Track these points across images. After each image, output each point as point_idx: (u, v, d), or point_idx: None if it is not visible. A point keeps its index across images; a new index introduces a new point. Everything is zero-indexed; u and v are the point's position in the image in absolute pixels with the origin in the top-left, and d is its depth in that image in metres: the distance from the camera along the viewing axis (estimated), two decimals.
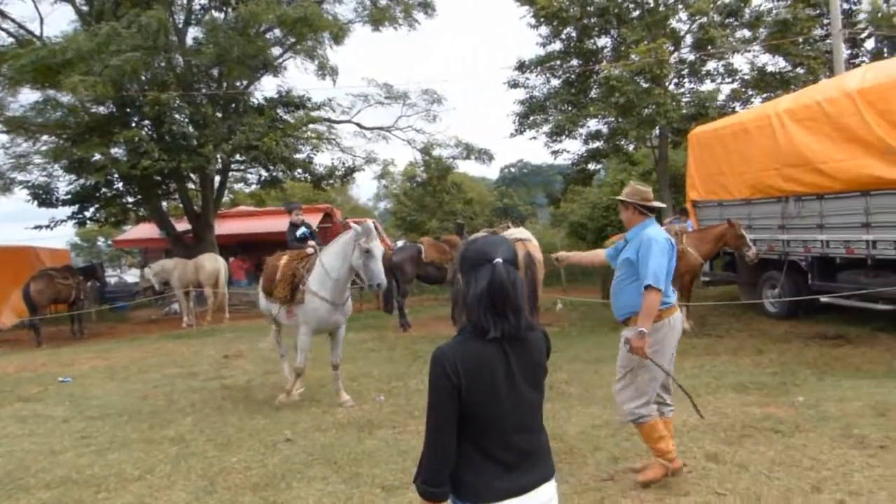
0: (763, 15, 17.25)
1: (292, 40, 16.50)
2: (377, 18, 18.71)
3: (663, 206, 5.33)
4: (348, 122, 19.71)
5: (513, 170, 62.54)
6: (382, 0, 19.14)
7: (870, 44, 18.58)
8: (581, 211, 25.79)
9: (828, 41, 16.08)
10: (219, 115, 17.42)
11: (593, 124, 18.38)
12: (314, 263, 7.52)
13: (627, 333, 4.58)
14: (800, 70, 17.02)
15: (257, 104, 17.73)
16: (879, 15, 16.65)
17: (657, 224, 4.77)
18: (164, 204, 20.92)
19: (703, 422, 5.93)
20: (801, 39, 17.17)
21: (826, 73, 15.56)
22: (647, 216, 4.71)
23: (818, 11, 17.76)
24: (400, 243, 26.74)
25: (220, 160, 16.94)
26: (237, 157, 17.15)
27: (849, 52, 18.89)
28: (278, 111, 17.78)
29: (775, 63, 18.00)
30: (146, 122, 17.05)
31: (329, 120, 19.50)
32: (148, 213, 19.84)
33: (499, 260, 2.12)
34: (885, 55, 17.58)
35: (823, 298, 10.29)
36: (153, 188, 18.46)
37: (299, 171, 17.16)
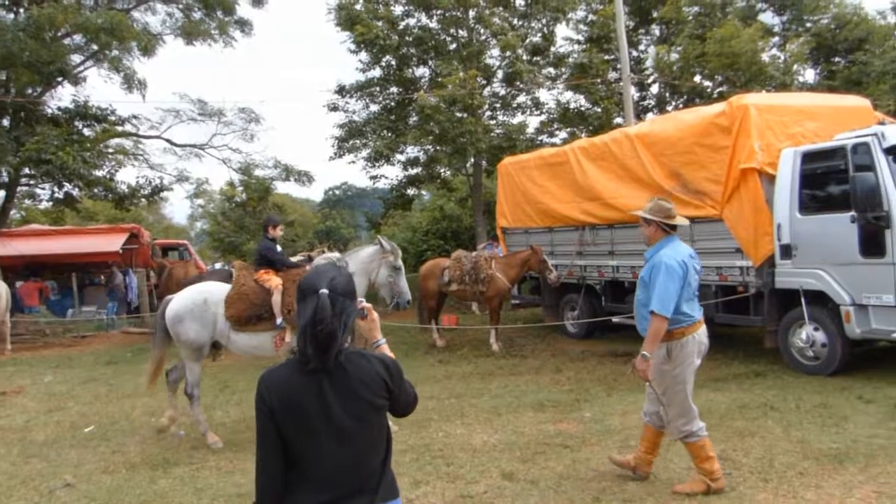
0: (564, 57, 18.78)
1: (95, 48, 15.27)
2: (189, 32, 17.90)
3: (686, 222, 5.40)
4: (157, 137, 18.63)
5: (337, 192, 62.15)
6: (196, 14, 18.37)
7: (655, 89, 20.74)
8: (402, 235, 26.25)
9: (620, 83, 17.76)
10: (5, 123, 15.69)
11: (412, 151, 18.85)
12: None
13: (659, 353, 4.68)
14: (597, 109, 18.68)
15: (51, 114, 16.18)
16: (663, 61, 18.68)
17: (678, 241, 4.81)
18: None
19: (502, 441, 6.26)
20: (599, 81, 18.87)
21: (619, 112, 17.21)
22: (668, 233, 4.76)
23: (613, 56, 19.63)
24: (217, 266, 25.52)
25: (4, 174, 15.24)
26: (26, 170, 15.49)
27: (638, 94, 21.00)
28: (77, 124, 16.35)
29: (577, 101, 19.66)
30: None
31: (136, 135, 18.28)
32: None
33: (324, 290, 2.15)
34: (668, 99, 19.77)
35: (615, 319, 11.24)
36: None
37: (99, 188, 15.86)
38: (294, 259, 13.84)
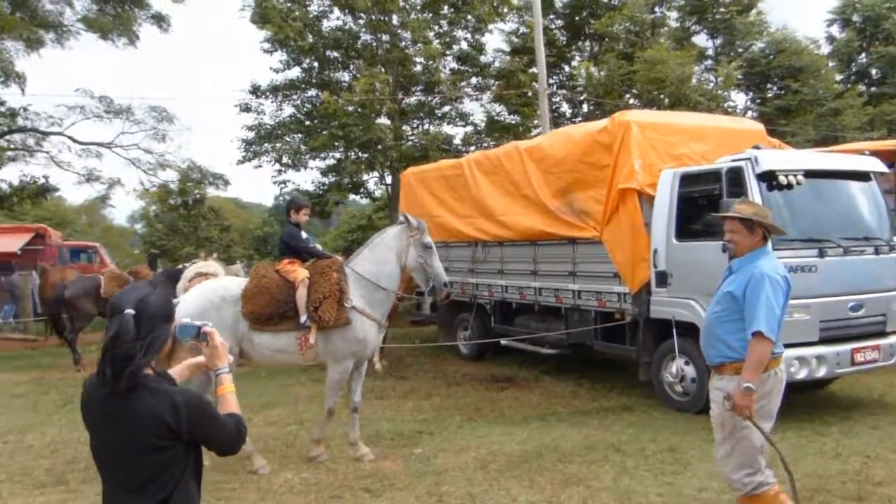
0: (487, 66, 18.38)
1: None
2: (102, 26, 16.94)
3: (784, 232, 4.67)
4: (59, 133, 17.61)
5: (288, 197, 60.94)
6: (109, 8, 17.39)
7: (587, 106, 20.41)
8: (333, 243, 25.62)
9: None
10: None
11: (331, 157, 18.04)
12: (346, 273, 6.18)
13: (728, 387, 3.78)
14: (516, 120, 18.30)
15: None
16: (594, 78, 18.34)
17: (772, 254, 4.03)
18: None
19: (306, 480, 5.59)
20: (527, 92, 18.42)
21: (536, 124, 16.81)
22: (765, 242, 3.93)
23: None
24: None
25: None
26: None
27: (570, 111, 20.68)
28: None
29: (502, 113, 19.18)
30: None
31: (35, 130, 17.24)
32: None
33: (129, 311, 2.10)
34: (598, 117, 19.40)
35: (503, 341, 10.69)
36: None
37: None
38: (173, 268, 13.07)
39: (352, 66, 17.85)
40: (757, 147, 7.39)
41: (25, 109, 16.58)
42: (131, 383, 2.07)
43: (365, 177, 18.86)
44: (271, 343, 6.05)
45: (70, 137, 17.81)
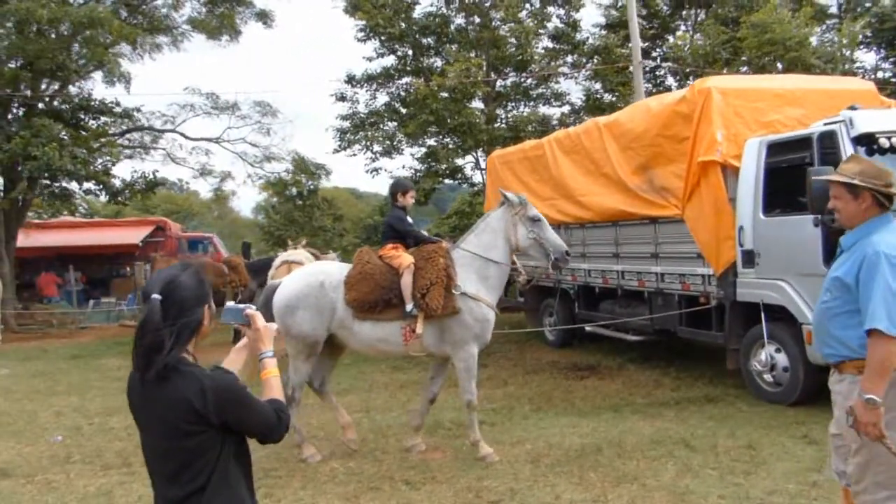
0: (581, 43, 17.61)
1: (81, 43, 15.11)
2: (209, 28, 17.76)
3: None
4: (172, 131, 18.68)
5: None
6: (218, 9, 18.14)
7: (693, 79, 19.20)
8: (436, 229, 25.68)
9: (643, 69, 16.43)
10: None
11: (428, 144, 18.04)
12: (452, 258, 5.82)
13: (845, 392, 3.12)
14: (612, 96, 17.46)
15: (49, 109, 16.11)
16: (696, 52, 17.20)
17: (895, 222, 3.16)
18: None
19: (351, 469, 5.53)
20: (629, 69, 17.54)
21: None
22: (884, 210, 3.10)
23: (646, 43, 18.23)
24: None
25: None
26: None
27: (676, 84, 19.53)
28: (83, 117, 16.48)
29: (599, 90, 18.38)
30: None
31: (152, 129, 18.39)
32: None
33: (156, 296, 2.06)
34: None
35: (587, 328, 10.24)
36: None
37: (92, 183, 15.85)
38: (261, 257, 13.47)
39: (444, 52, 17.70)
40: (853, 107, 6.53)
41: (138, 110, 17.72)
42: (162, 373, 2.03)
43: (460, 161, 18.73)
44: (372, 332, 5.74)
45: (182, 134, 18.88)
